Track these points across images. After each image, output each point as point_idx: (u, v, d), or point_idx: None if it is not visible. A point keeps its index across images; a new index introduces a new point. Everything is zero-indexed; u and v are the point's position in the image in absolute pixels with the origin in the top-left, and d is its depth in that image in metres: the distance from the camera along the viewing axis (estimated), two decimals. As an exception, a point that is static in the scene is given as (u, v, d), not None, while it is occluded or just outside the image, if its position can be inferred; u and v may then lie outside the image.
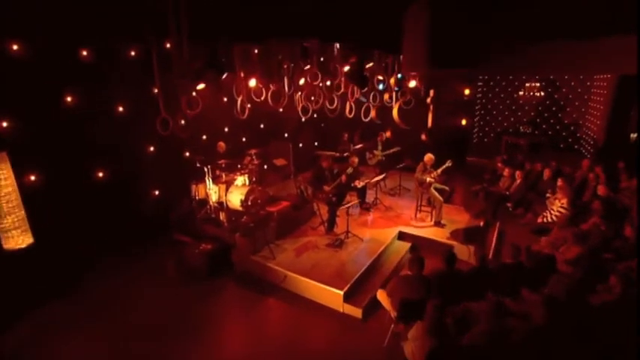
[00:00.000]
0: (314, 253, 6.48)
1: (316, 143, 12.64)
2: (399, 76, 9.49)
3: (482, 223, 7.61)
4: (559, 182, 7.75)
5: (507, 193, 8.42)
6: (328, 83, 8.70)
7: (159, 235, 7.43)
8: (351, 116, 8.98)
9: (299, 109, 7.73)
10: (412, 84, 9.34)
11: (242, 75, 6.33)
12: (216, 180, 7.25)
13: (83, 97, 6.14)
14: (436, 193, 7.51)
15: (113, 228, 6.65)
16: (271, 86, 7.08)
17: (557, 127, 12.43)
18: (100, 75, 6.23)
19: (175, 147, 7.77)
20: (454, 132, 11.91)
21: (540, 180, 8.50)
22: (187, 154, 8.21)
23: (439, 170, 7.54)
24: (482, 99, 13.11)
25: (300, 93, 7.77)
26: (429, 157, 7.61)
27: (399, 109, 11.16)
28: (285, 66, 7.30)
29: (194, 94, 6.05)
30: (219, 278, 6.25)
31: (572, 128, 12.21)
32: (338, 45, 7.31)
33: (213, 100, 8.17)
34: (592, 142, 11.05)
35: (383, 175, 8.57)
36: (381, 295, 4.98)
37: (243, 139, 9.87)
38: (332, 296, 5.46)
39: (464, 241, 6.79)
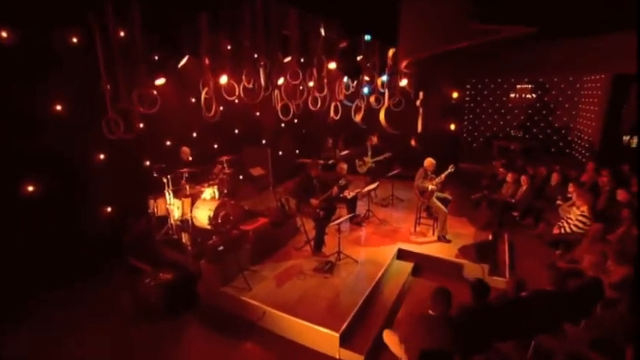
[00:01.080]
0: (299, 280, 5.20)
1: (297, 151, 11.45)
2: (385, 78, 8.50)
3: (490, 236, 6.55)
4: (570, 188, 6.82)
5: (513, 200, 7.42)
6: (311, 84, 7.60)
7: (111, 261, 5.98)
8: (337, 118, 7.84)
9: (278, 108, 6.50)
10: (403, 83, 8.30)
11: (207, 62, 5.05)
12: (178, 193, 5.89)
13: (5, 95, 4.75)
14: (439, 204, 6.41)
15: (52, 255, 5.21)
16: (245, 83, 5.84)
17: (548, 131, 11.74)
18: (29, 67, 4.86)
19: (132, 154, 6.38)
20: (443, 137, 11.06)
21: (547, 185, 7.56)
22: (147, 162, 6.82)
23: (442, 176, 6.45)
24: (470, 103, 12.31)
25: (278, 91, 6.57)
26: (429, 161, 6.52)
27: (387, 112, 10.16)
28: (262, 63, 6.06)
29: (154, 92, 4.73)
30: (180, 316, 4.87)
31: (563, 132, 11.53)
32: (323, 31, 6.16)
33: (179, 100, 6.88)
34: (586, 145, 10.33)
35: (376, 184, 7.42)
36: (390, 339, 3.77)
37: (215, 146, 8.54)
38: (325, 339, 4.20)
39: (476, 259, 5.68)
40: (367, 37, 7.32)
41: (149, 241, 6.00)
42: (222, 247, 5.16)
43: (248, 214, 6.40)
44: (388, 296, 5.11)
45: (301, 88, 6.82)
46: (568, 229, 6.03)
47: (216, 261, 5.07)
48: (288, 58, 6.33)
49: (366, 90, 8.23)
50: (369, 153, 8.60)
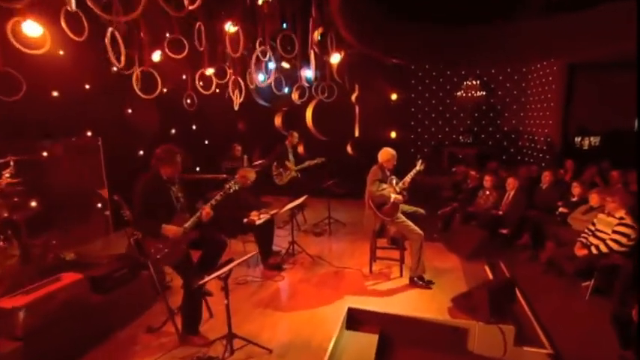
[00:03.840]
0: None
1: (198, 168, 8.37)
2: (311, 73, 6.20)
3: (487, 269, 4.10)
4: (576, 188, 4.78)
5: (499, 212, 5.16)
6: (211, 71, 5.08)
7: None
8: (236, 108, 5.21)
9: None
10: (335, 59, 5.88)
11: None
12: None
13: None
14: (410, 223, 3.83)
15: None
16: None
17: (497, 136, 10.23)
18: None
19: None
20: (385, 145, 9.00)
21: (536, 189, 5.48)
22: None
23: (408, 178, 3.93)
24: (411, 107, 10.45)
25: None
26: (387, 153, 4.00)
27: (315, 111, 7.73)
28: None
29: None
30: None
31: (512, 136, 10.09)
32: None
33: None
34: (544, 149, 8.85)
35: (301, 199, 4.65)
36: None
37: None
38: None
39: (492, 317, 3.08)
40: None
41: None
42: None
43: (52, 268, 3.15)
44: None
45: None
46: (604, 248, 3.79)
47: None
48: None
49: (260, 78, 6.02)
50: (291, 156, 5.90)
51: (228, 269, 2.70)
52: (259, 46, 4.79)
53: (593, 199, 4.31)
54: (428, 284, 3.79)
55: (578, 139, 9.25)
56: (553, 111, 8.70)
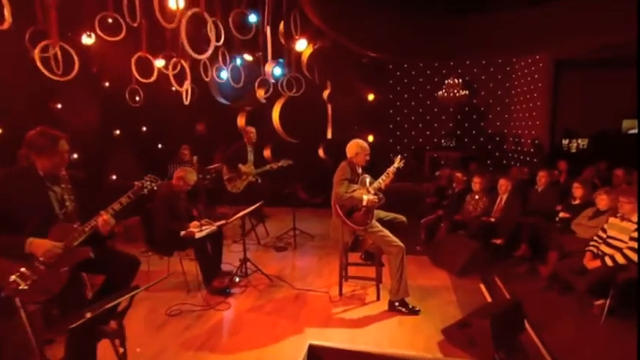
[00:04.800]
0: None
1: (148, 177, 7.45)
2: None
3: (483, 288, 3.45)
4: (578, 189, 4.23)
5: (491, 219, 4.56)
6: (162, 63, 4.68)
7: None
8: (187, 102, 4.51)
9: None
10: (301, 45, 5.25)
11: None
12: None
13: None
14: (388, 233, 3.13)
15: None
16: None
17: (481, 139, 9.85)
18: None
19: None
20: None
21: (531, 192, 4.92)
22: None
23: (385, 177, 3.25)
24: (389, 109, 9.97)
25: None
26: (357, 146, 3.30)
27: (283, 111, 7.06)
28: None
29: None
30: None
31: (497, 139, 9.73)
32: None
33: None
34: (532, 151, 8.46)
35: (252, 208, 3.85)
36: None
37: None
38: None
39: (497, 353, 2.38)
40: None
41: None
42: None
43: None
44: None
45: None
46: (621, 259, 3.20)
47: None
48: None
49: (223, 74, 5.48)
50: (250, 156, 5.15)
51: (116, 302, 1.90)
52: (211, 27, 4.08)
53: (602, 201, 3.74)
54: (412, 310, 3.07)
55: (565, 142, 8.94)
56: (540, 112, 8.36)
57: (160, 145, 7.61)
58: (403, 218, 3.45)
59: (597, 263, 3.33)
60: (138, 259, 2.39)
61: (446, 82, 8.92)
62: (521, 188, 5.03)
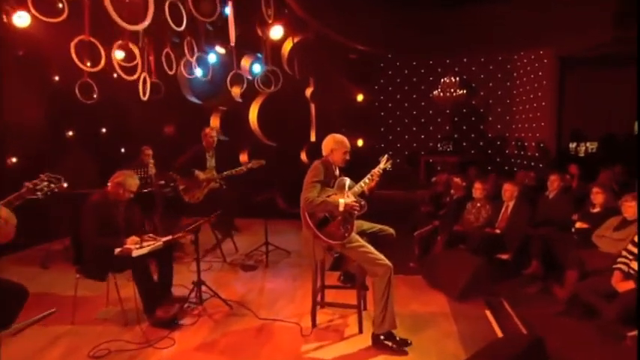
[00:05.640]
0: None
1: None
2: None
3: (489, 315, 2.95)
4: (598, 195, 3.78)
5: (496, 230, 4.09)
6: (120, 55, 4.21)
7: None
8: (145, 98, 4.08)
9: None
10: (276, 33, 4.81)
11: None
12: None
13: None
14: (372, 250, 2.63)
15: None
16: None
17: (481, 143, 9.48)
18: None
19: None
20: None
21: (541, 198, 4.47)
22: None
23: (369, 181, 2.78)
24: (380, 111, 9.61)
25: None
26: (332, 140, 2.82)
27: (262, 111, 6.67)
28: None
29: None
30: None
31: (498, 143, 9.37)
32: None
33: None
34: (537, 156, 8.11)
35: (203, 221, 3.30)
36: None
37: None
38: None
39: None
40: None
41: None
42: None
43: None
44: None
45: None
46: (657, 279, 2.73)
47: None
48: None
49: (198, 72, 5.24)
50: (212, 163, 4.66)
51: None
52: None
53: (629, 208, 3.27)
54: (401, 345, 2.55)
55: (573, 145, 8.61)
56: (544, 113, 8.01)
57: (122, 150, 7.06)
58: (391, 230, 2.95)
59: (630, 285, 2.85)
60: (26, 290, 1.87)
61: (442, 80, 8.55)
62: (528, 194, 4.60)
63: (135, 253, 2.83)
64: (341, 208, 2.54)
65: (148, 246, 2.95)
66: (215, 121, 7.13)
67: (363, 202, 2.76)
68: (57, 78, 5.69)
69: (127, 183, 3.00)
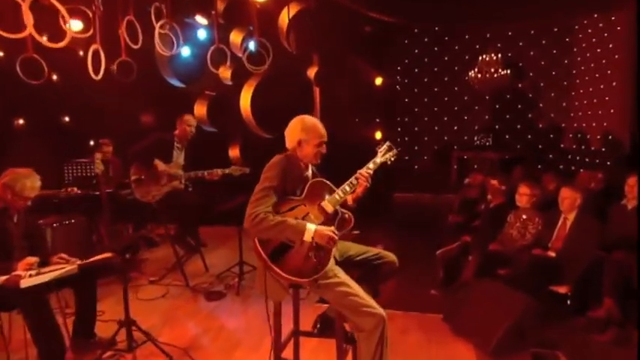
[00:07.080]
0: None
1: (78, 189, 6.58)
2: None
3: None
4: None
5: (549, 253, 3.33)
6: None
7: None
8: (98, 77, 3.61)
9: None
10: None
11: None
12: None
13: None
14: (357, 291, 1.93)
15: None
16: None
17: (529, 137, 8.89)
18: None
19: None
20: (361, 151, 7.41)
21: (613, 209, 3.64)
22: None
23: (355, 185, 2.07)
24: (403, 98, 9.23)
25: None
26: (301, 127, 2.19)
27: (256, 96, 6.31)
28: None
29: None
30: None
31: (551, 136, 8.80)
32: None
33: None
34: (603, 152, 7.57)
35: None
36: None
37: None
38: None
39: None
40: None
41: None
42: None
43: None
44: None
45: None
46: None
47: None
48: None
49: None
50: (180, 158, 4.10)
51: None
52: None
53: None
54: None
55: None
56: (614, 96, 7.38)
57: (92, 142, 6.67)
58: (391, 257, 2.20)
59: None
60: None
61: (480, 58, 7.99)
62: (596, 203, 3.78)
63: (23, 284, 2.22)
64: (307, 238, 1.84)
65: (51, 272, 2.35)
66: (201, 109, 6.64)
67: (347, 216, 2.05)
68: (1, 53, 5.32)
69: (19, 186, 2.41)
